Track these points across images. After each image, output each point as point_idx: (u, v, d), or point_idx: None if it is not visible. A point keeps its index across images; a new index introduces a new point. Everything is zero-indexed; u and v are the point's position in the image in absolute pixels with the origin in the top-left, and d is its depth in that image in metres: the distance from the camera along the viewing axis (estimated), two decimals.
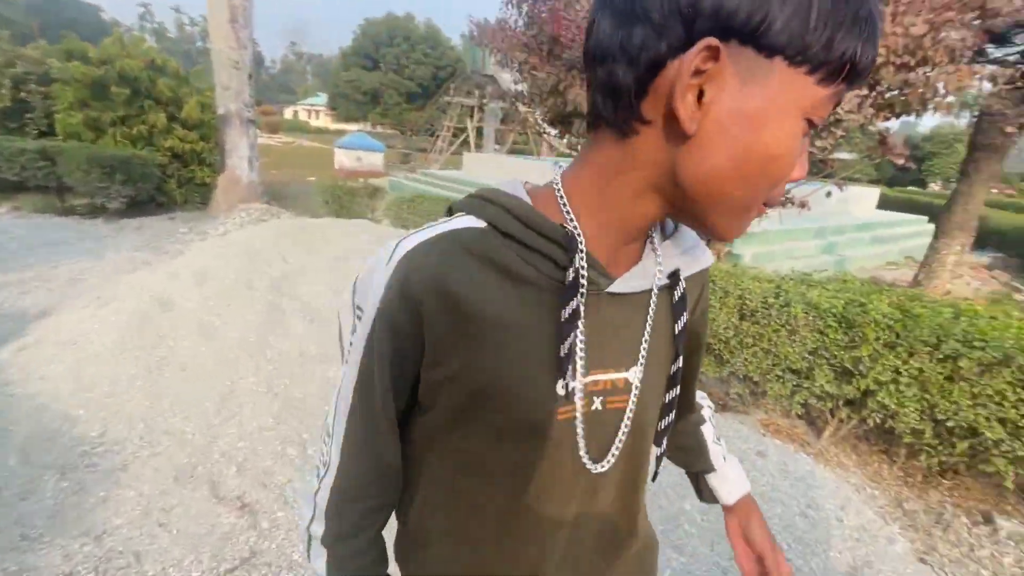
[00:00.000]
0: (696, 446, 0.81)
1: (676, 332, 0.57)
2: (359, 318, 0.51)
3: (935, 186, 24.48)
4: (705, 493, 0.83)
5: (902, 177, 28.42)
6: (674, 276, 0.55)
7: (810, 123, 0.42)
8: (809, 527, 2.16)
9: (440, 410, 0.53)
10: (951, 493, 2.54)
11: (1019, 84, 4.91)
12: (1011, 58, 5.34)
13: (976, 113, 5.24)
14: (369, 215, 7.93)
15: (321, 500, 0.57)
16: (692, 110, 0.40)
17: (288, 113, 58.83)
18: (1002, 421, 2.21)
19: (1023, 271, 9.23)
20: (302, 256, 4.28)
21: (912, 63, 2.61)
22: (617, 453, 0.55)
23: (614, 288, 0.51)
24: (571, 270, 0.48)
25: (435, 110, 25.01)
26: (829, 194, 3.55)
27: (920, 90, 2.77)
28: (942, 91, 2.86)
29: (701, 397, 0.84)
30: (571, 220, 0.49)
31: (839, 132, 2.66)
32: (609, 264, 0.51)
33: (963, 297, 3.73)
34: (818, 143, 2.63)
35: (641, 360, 0.54)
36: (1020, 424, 2.17)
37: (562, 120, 3.69)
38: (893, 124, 3.21)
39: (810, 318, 2.76)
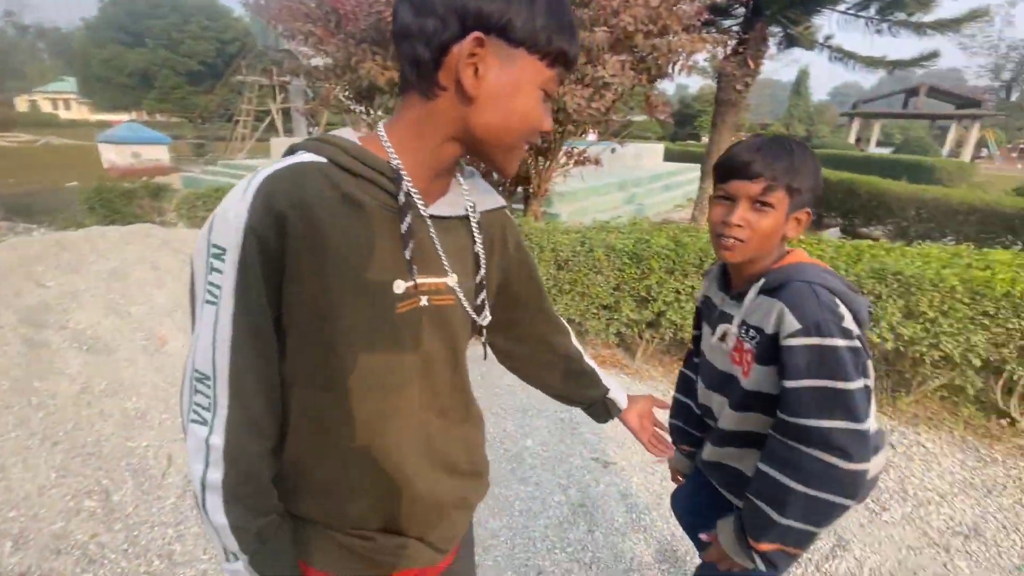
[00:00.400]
0: (589, 374, 0.98)
1: (476, 250, 0.73)
2: (220, 255, 0.56)
3: (705, 138, 29.42)
4: (613, 411, 1.00)
5: (681, 132, 33.64)
6: (474, 207, 0.72)
7: (546, 93, 0.62)
8: (624, 432, 2.55)
9: (299, 330, 0.61)
10: None
11: (740, 50, 6.12)
12: (735, 28, 6.60)
13: (716, 75, 6.40)
14: (157, 218, 6.76)
15: (217, 440, 0.58)
16: (472, 81, 0.57)
17: (22, 104, 46.36)
18: None
19: None
20: (66, 277, 3.50)
21: (655, 30, 3.08)
22: (443, 337, 0.69)
23: (432, 211, 0.66)
24: (402, 194, 0.61)
25: (228, 92, 21.94)
26: (614, 150, 4.08)
27: (666, 54, 3.28)
28: (683, 55, 3.42)
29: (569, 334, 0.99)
30: (395, 158, 0.62)
31: (610, 95, 3.06)
32: (424, 194, 0.65)
33: None
34: (594, 104, 3.00)
35: (453, 269, 0.69)
36: None
37: (365, 95, 3.56)
38: (668, 88, 3.79)
39: (610, 259, 3.18)
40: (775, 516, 0.82)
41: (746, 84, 6.28)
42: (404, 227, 0.62)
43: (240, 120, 18.50)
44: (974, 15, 6.00)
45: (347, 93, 3.94)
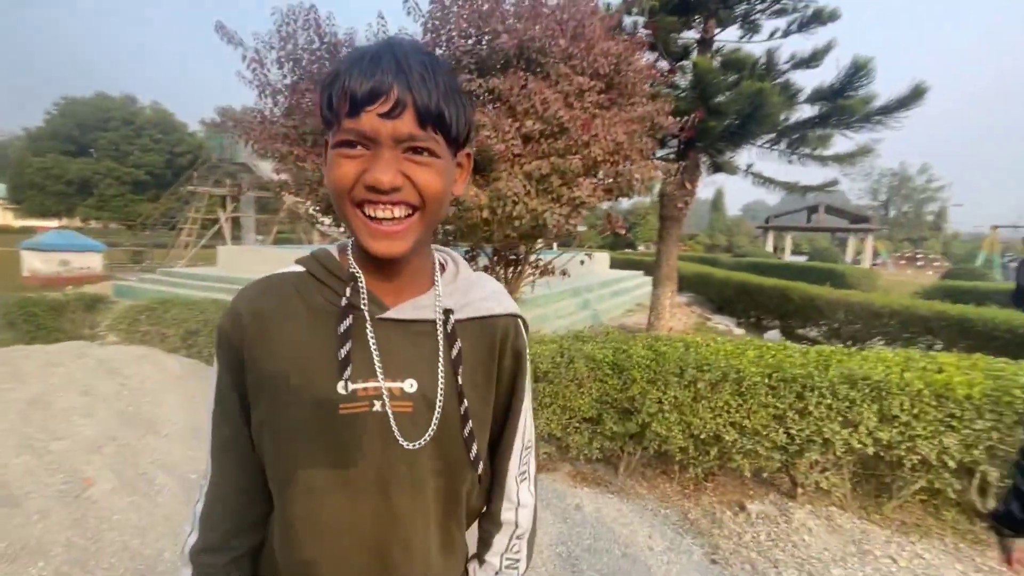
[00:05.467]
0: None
1: (453, 358, 0.66)
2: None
3: (642, 247, 31.81)
4: None
5: (619, 242, 36.23)
6: (447, 313, 0.66)
7: (347, 143, 0.57)
8: (630, 565, 2.34)
9: (257, 421, 0.64)
10: (715, 493, 3.10)
11: (676, 173, 6.86)
12: (671, 157, 7.44)
13: (658, 195, 7.07)
14: (87, 331, 6.16)
15: (198, 508, 0.67)
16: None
17: None
18: (733, 425, 2.84)
19: (705, 303, 12.52)
20: None
21: (617, 159, 3.39)
22: (425, 442, 0.63)
23: (389, 315, 0.64)
24: (343, 297, 0.63)
25: (176, 201, 21.76)
26: (583, 261, 4.28)
27: (627, 179, 3.59)
28: (639, 179, 3.76)
29: (513, 506, 0.77)
30: (353, 265, 0.66)
31: (584, 212, 3.28)
32: (386, 297, 0.66)
33: (681, 331, 4.82)
34: (572, 220, 3.19)
35: (416, 376, 0.64)
36: (744, 425, 2.82)
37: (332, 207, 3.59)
38: (608, 204, 4.13)
39: (591, 370, 3.15)
40: None
41: (685, 203, 6.95)
42: (341, 328, 0.62)
43: (185, 228, 18.15)
44: (863, 151, 7.12)
45: (313, 206, 3.98)
